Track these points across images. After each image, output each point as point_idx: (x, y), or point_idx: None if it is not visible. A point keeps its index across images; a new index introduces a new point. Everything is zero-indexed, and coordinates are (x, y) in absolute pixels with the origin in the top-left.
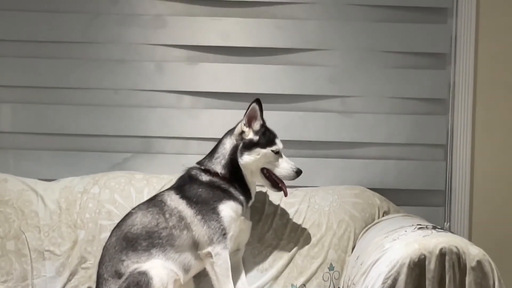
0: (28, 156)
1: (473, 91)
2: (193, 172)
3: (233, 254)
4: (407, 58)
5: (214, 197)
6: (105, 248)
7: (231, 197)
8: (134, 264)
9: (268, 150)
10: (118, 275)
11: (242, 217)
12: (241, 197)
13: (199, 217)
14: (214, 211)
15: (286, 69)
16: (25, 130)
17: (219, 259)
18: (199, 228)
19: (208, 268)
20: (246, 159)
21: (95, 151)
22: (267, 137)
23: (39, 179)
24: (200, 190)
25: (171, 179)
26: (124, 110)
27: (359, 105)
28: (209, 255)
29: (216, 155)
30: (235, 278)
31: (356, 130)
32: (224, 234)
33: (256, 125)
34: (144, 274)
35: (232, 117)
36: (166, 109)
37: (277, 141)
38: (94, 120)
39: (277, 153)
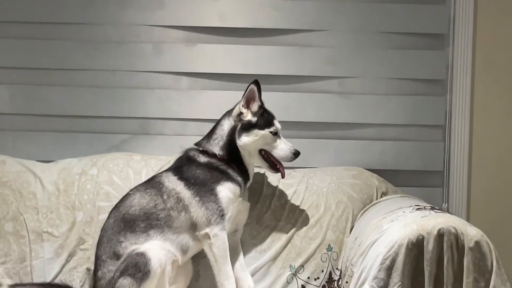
0: (26, 138)
1: (471, 72)
2: (191, 153)
3: (231, 235)
4: (405, 39)
5: (212, 178)
6: (103, 230)
7: (229, 178)
8: (132, 245)
9: (266, 131)
10: (116, 256)
11: (240, 198)
12: (239, 178)
13: (197, 198)
14: (212, 192)
15: (284, 50)
16: (23, 111)
17: (217, 240)
18: (197, 210)
19: (206, 249)
20: (244, 140)
21: (93, 133)
22: (265, 119)
23: (37, 160)
24: (198, 171)
25: (169, 160)
26: (122, 91)
27: (357, 86)
28: (207, 236)
29: (214, 136)
30: (233, 259)
31: (354, 111)
32: (222, 215)
33: (254, 106)
34: (142, 255)
35: (230, 98)
36: (164, 90)
37: (275, 122)
38: (92, 101)
39: (275, 134)
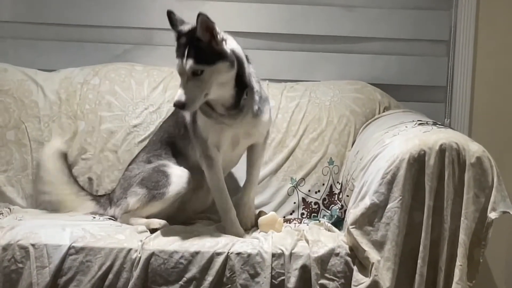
0: (27, 46)
1: None
2: None
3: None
4: None
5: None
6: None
7: (201, 110)
8: (163, 160)
9: None
10: (149, 161)
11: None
12: (212, 113)
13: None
14: (196, 125)
15: None
16: (25, 19)
17: (207, 175)
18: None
19: None
20: None
21: (96, 42)
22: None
23: (38, 69)
24: None
25: (172, 71)
26: (125, 0)
27: None
28: None
29: None
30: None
31: (358, 24)
32: (204, 142)
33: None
34: (167, 176)
35: (233, 9)
36: (167, 0)
37: (177, 61)
38: (95, 10)
39: (180, 75)
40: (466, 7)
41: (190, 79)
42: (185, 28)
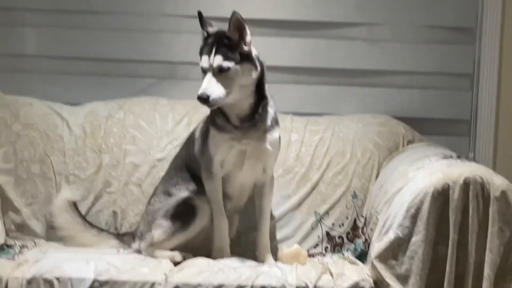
0: (53, 80)
1: (501, 18)
2: None
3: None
4: None
5: (207, 130)
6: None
7: (214, 125)
8: (185, 191)
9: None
10: (168, 193)
11: (235, 143)
12: (227, 125)
13: (199, 149)
14: (205, 143)
15: None
16: (50, 54)
17: (205, 186)
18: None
19: None
20: None
21: (120, 76)
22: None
23: (64, 103)
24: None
25: (195, 105)
26: (150, 35)
27: (386, 33)
28: None
29: None
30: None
31: (382, 58)
32: (210, 159)
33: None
34: (193, 210)
35: (257, 43)
36: (191, 34)
37: (203, 58)
38: (119, 44)
39: (204, 72)
40: (489, 40)
41: (216, 75)
42: (213, 29)
